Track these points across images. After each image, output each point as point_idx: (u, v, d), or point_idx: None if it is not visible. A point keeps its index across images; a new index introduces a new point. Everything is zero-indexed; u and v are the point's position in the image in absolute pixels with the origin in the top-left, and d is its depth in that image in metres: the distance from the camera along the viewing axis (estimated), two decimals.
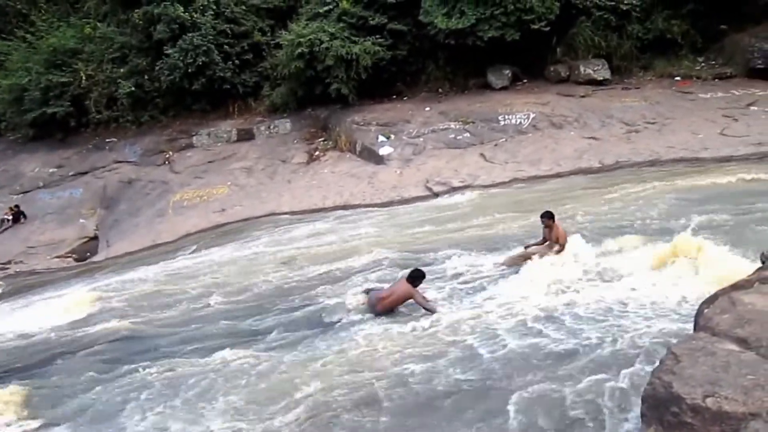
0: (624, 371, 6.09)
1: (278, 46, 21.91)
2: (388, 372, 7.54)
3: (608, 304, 8.12)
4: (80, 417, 7.89)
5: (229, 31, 21.88)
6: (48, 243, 18.21)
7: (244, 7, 22.52)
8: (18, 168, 22.04)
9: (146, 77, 22.51)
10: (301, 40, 20.27)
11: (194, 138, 21.77)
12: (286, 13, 22.76)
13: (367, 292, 9.84)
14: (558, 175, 16.33)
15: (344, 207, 16.72)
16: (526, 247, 10.60)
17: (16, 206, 19.53)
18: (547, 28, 19.93)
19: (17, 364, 10.04)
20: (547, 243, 10.41)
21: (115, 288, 12.74)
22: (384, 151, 19.24)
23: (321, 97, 21.38)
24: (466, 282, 9.98)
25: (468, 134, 19.53)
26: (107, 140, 22.35)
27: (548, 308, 8.21)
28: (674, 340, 5.16)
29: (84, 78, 22.38)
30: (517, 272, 9.89)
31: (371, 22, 20.85)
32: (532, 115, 19.41)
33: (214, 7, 21.86)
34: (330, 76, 20.67)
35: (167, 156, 21.20)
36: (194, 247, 15.18)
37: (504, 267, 10.32)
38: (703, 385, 3.38)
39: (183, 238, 16.50)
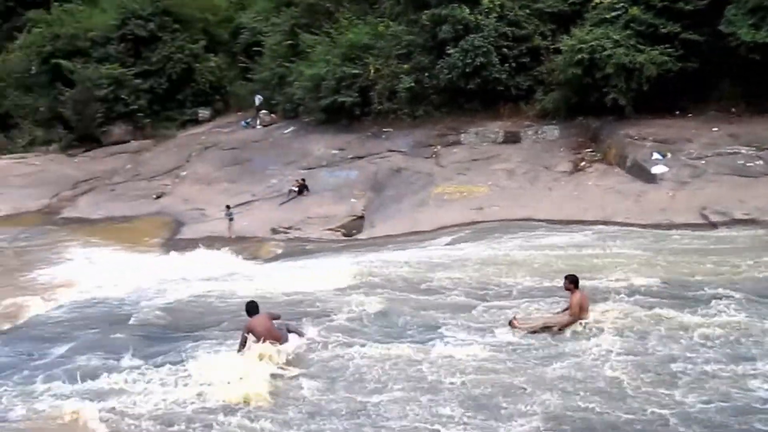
0: None
1: (557, 51, 21.53)
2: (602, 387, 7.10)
3: None
4: (328, 374, 8.72)
5: (509, 34, 22.09)
6: (322, 216, 20.26)
7: (528, 11, 22.52)
8: (307, 147, 24.87)
9: (426, 74, 23.76)
10: (582, 46, 19.64)
11: (462, 135, 22.45)
12: (569, 17, 22.25)
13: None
14: None
15: (605, 222, 15.93)
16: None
17: (302, 180, 22.09)
18: None
19: (282, 314, 11.24)
20: (566, 311, 9.55)
21: (375, 265, 13.75)
22: (657, 169, 17.83)
23: (594, 107, 20.52)
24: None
25: (762, 162, 17.21)
26: (384, 130, 24.09)
27: None
28: None
29: (372, 71, 24.37)
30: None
31: (662, 30, 19.38)
32: None
33: (499, 10, 22.22)
34: (608, 85, 19.73)
35: (435, 150, 22.18)
36: (449, 240, 15.72)
37: (521, 332, 9.35)
38: None
39: (439, 230, 17.16)
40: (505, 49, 22.14)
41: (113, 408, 7.85)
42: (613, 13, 20.25)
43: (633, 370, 7.93)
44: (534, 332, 9.38)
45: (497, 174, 19.82)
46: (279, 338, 9.38)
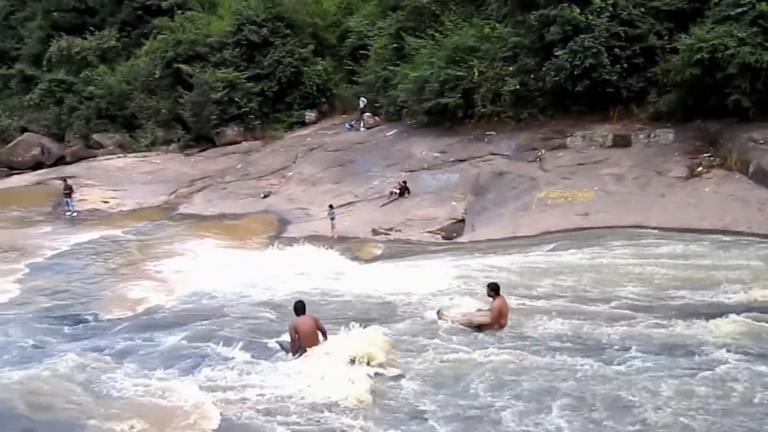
0: None
1: (674, 50, 20.45)
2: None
3: None
4: (428, 377, 8.76)
5: (622, 34, 21.20)
6: (423, 218, 20.31)
7: (642, 9, 21.51)
8: (409, 149, 25.02)
9: (532, 76, 23.27)
10: (702, 45, 18.53)
11: (568, 139, 21.80)
12: (689, 15, 21.05)
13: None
14: None
15: (724, 232, 14.99)
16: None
17: (404, 182, 22.24)
18: None
19: (382, 315, 11.42)
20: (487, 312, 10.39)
21: (475, 269, 13.66)
22: None
23: (714, 109, 19.32)
24: None
25: None
26: (487, 133, 23.81)
27: None
28: None
29: (476, 74, 24.13)
30: None
31: None
32: None
33: (611, 9, 21.37)
34: (730, 86, 18.52)
35: (539, 154, 21.67)
36: (552, 246, 15.33)
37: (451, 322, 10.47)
38: None
39: (542, 235, 16.78)
40: (616, 50, 21.28)
41: (226, 398, 8.26)
42: (738, 10, 18.98)
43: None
44: (461, 325, 10.44)
45: (605, 179, 19.10)
46: (318, 343, 9.48)
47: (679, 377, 8.02)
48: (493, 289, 10.37)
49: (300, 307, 9.78)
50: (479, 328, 10.28)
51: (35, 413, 8.08)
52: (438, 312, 10.86)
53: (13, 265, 17.49)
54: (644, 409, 7.34)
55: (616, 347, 9.15)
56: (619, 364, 8.57)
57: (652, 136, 20.64)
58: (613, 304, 10.87)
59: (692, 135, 19.89)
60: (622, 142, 20.96)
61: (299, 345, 9.41)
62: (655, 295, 10.98)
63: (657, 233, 15.36)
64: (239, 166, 28.89)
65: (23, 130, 36.86)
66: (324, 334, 9.66)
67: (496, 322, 10.24)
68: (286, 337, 9.75)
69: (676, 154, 19.46)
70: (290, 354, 9.49)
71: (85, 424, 7.79)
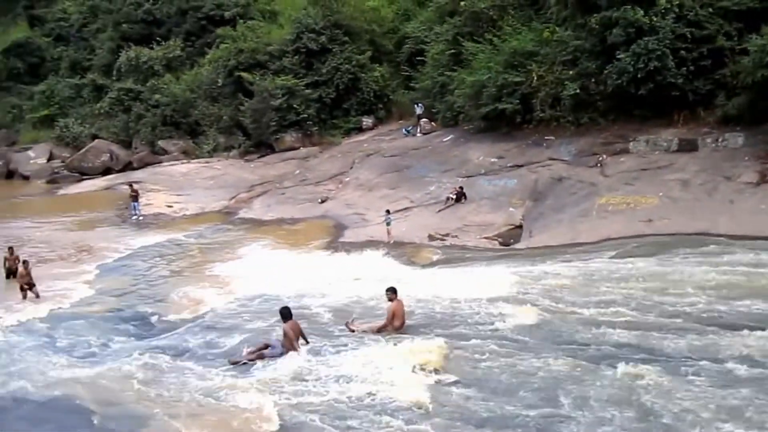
0: None
1: (744, 51, 19.64)
2: None
3: None
4: (485, 382, 8.67)
5: (688, 35, 20.49)
6: (479, 224, 20.11)
7: (710, 10, 20.73)
8: (466, 154, 24.85)
9: (592, 80, 22.75)
10: None
11: (631, 144, 21.19)
12: (760, 14, 20.20)
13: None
14: None
15: None
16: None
17: (460, 187, 22.09)
18: None
19: (439, 321, 11.37)
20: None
21: (533, 276, 13.45)
22: None
23: None
24: None
25: None
26: (546, 138, 23.42)
27: None
28: None
29: (535, 78, 23.79)
30: None
31: None
32: None
33: (677, 10, 20.70)
34: None
35: (599, 159, 21.15)
36: (614, 253, 14.93)
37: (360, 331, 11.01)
38: None
39: (603, 242, 16.37)
40: (682, 52, 20.58)
41: (285, 401, 8.39)
42: None
43: None
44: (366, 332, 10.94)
45: (669, 184, 18.47)
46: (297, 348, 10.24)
47: (748, 392, 7.67)
48: (393, 292, 11.17)
49: (286, 314, 10.46)
50: (379, 331, 10.98)
51: (102, 408, 8.41)
52: (346, 323, 11.49)
53: (85, 266, 18.28)
54: (709, 424, 7.06)
55: (681, 358, 8.85)
56: (684, 376, 8.28)
57: (720, 140, 19.86)
58: (678, 313, 10.50)
59: (763, 138, 19.03)
60: (688, 146, 20.24)
61: (289, 347, 10.09)
62: (724, 305, 10.54)
63: (725, 241, 14.75)
64: (297, 171, 29.34)
65: (94, 137, 38.52)
66: (305, 339, 10.51)
67: (390, 323, 10.96)
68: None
69: (746, 158, 18.65)
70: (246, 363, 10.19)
71: (148, 421, 8.05)
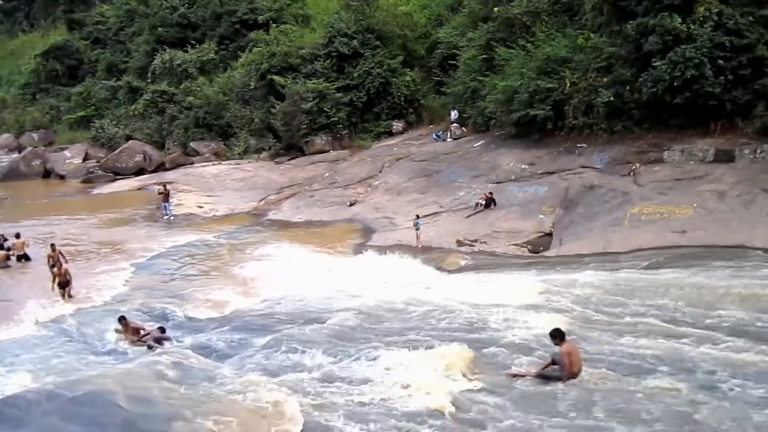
0: None
1: None
2: None
3: None
4: (511, 391, 8.57)
5: (727, 44, 20.06)
6: (509, 231, 19.93)
7: (751, 18, 20.27)
8: (497, 160, 24.68)
9: (627, 88, 22.40)
10: None
11: (665, 153, 20.82)
12: None
13: None
14: None
15: None
16: None
17: (490, 193, 21.94)
18: None
19: (466, 327, 11.27)
20: None
21: (563, 284, 13.27)
22: None
23: None
24: None
25: None
26: (578, 145, 23.13)
27: None
28: None
29: (568, 85, 23.52)
30: None
31: None
32: None
33: (716, 18, 20.30)
34: None
35: (633, 167, 20.81)
36: (646, 263, 14.67)
37: None
38: None
39: (635, 252, 16.11)
40: (721, 61, 20.15)
41: (310, 402, 8.40)
42: None
43: None
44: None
45: (704, 195, 18.10)
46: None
47: None
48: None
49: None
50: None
51: (132, 405, 8.50)
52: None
53: (120, 264, 18.60)
54: None
55: (712, 372, 8.63)
56: (714, 390, 8.08)
57: (758, 151, 19.40)
58: (710, 326, 10.28)
59: None
60: (724, 157, 19.82)
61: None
62: (759, 319, 10.27)
63: (762, 255, 14.39)
64: (327, 174, 29.46)
65: (128, 138, 39.19)
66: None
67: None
68: None
69: None
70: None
71: (176, 419, 8.11)
